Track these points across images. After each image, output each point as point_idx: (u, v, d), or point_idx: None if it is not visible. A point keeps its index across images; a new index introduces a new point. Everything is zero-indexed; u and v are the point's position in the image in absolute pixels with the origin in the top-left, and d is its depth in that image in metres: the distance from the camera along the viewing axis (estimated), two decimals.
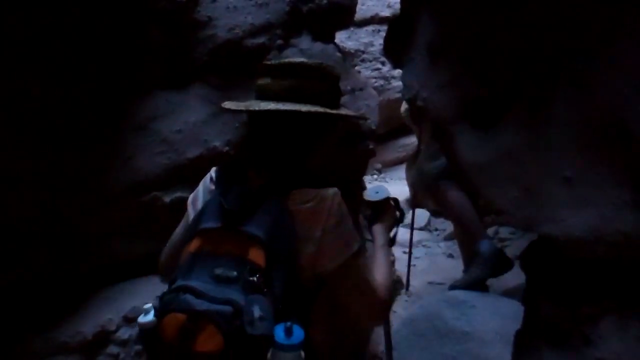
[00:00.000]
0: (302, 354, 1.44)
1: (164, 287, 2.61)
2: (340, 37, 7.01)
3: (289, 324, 1.42)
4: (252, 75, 2.92)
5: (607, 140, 1.28)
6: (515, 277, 3.67)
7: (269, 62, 1.84)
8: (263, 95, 1.76)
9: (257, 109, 1.70)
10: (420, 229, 5.97)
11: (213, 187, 1.78)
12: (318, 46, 3.21)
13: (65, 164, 2.61)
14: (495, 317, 3.32)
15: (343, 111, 1.86)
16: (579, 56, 1.29)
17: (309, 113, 1.68)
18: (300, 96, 1.72)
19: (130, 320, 2.55)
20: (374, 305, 1.73)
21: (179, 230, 1.97)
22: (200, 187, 1.87)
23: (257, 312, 1.39)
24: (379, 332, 3.66)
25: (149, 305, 1.59)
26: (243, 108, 1.79)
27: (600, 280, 1.47)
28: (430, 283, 4.94)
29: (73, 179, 2.63)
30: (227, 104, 1.85)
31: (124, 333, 2.52)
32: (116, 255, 2.80)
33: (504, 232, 5.56)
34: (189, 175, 2.84)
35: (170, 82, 2.94)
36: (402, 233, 5.63)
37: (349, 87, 3.21)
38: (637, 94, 1.19)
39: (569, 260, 1.51)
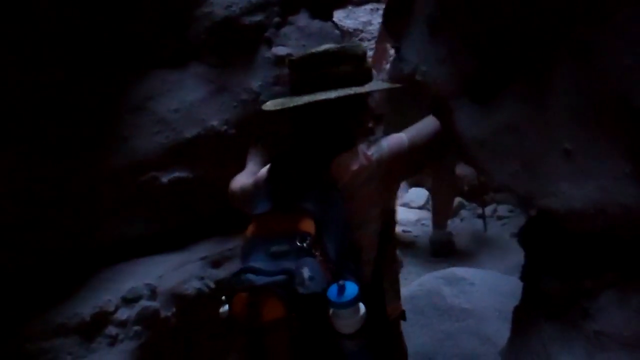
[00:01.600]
0: (361, 308, 1.54)
1: (163, 267, 2.64)
2: (339, 15, 6.97)
3: (341, 282, 1.52)
4: (250, 53, 2.96)
5: (608, 111, 1.26)
6: (514, 254, 3.67)
7: (293, 58, 1.98)
8: (296, 90, 1.93)
9: (291, 105, 1.86)
10: (419, 207, 5.97)
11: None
12: (316, 24, 3.19)
13: (62, 144, 2.60)
14: (494, 294, 3.33)
15: (372, 86, 1.95)
16: (580, 25, 1.27)
17: (338, 98, 1.82)
18: (329, 83, 1.87)
19: (128, 301, 2.54)
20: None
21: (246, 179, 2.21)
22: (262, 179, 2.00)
23: (306, 273, 1.51)
24: None
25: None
26: (280, 107, 1.92)
27: (600, 253, 1.45)
28: (429, 261, 4.94)
29: (69, 160, 2.62)
30: (268, 106, 2.00)
31: (123, 314, 2.51)
32: (114, 235, 2.79)
33: (503, 210, 5.56)
34: (187, 155, 2.83)
35: (167, 61, 2.92)
36: (403, 212, 5.67)
37: None
38: (639, 63, 1.17)
39: (569, 234, 1.49)
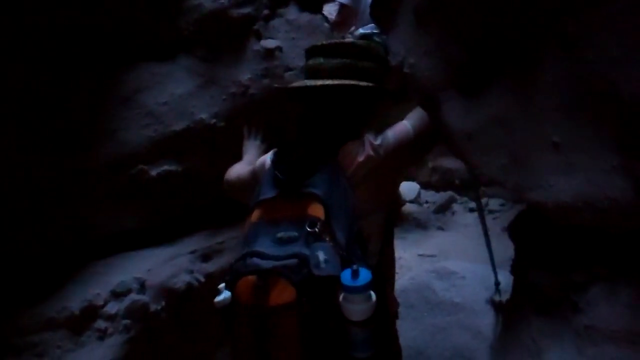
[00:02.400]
0: (373, 295, 1.54)
1: (153, 261, 2.63)
2: (330, 9, 6.92)
3: (355, 266, 1.52)
4: (239, 45, 2.94)
5: (596, 104, 1.25)
6: (505, 248, 3.68)
7: (319, 44, 2.03)
8: (316, 74, 1.96)
9: (317, 84, 1.89)
10: (410, 201, 5.97)
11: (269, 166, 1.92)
12: (305, 17, 3.17)
13: (50, 137, 2.58)
14: (485, 288, 3.34)
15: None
16: (567, 17, 1.26)
17: (362, 88, 1.89)
18: (351, 73, 1.92)
19: (118, 294, 2.53)
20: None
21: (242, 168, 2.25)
22: (262, 167, 2.02)
23: (321, 256, 1.52)
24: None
25: (222, 285, 1.65)
26: (301, 85, 1.96)
27: (589, 247, 1.45)
28: (420, 255, 4.94)
29: (58, 152, 2.60)
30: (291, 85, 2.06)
31: (112, 308, 2.50)
32: (103, 229, 2.77)
33: (494, 204, 5.57)
34: (176, 148, 2.81)
35: (156, 54, 2.90)
36: None
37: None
38: (628, 55, 1.16)
39: (558, 227, 1.49)
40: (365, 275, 1.53)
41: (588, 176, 1.29)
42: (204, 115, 2.84)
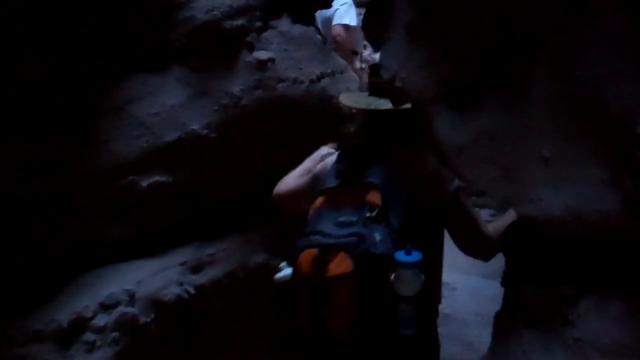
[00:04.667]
0: (422, 275, 1.71)
1: (142, 273, 2.61)
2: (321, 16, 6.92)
3: (408, 246, 1.69)
4: (231, 57, 2.94)
5: (585, 119, 1.26)
6: (495, 259, 3.68)
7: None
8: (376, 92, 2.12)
9: (383, 109, 2.06)
10: None
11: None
12: (298, 29, 3.17)
13: (40, 147, 2.56)
14: (476, 299, 3.34)
15: None
16: (559, 34, 1.27)
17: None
18: None
19: (106, 307, 2.51)
20: (477, 239, 2.02)
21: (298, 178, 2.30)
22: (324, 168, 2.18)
23: (377, 236, 1.73)
24: None
25: (283, 263, 1.87)
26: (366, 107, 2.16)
27: (579, 260, 1.46)
28: None
29: (47, 162, 2.58)
30: (345, 101, 2.38)
31: (101, 320, 2.48)
32: (93, 240, 2.74)
33: (485, 214, 5.55)
34: (167, 159, 2.80)
35: (148, 64, 2.88)
36: None
37: (329, 70, 3.18)
38: (617, 72, 1.17)
39: (549, 240, 1.49)
40: (416, 254, 1.69)
41: (578, 190, 1.30)
42: (195, 126, 2.82)
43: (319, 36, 3.29)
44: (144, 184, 2.76)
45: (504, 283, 1.97)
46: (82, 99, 2.68)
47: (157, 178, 2.78)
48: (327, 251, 1.73)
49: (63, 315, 2.47)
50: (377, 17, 1.99)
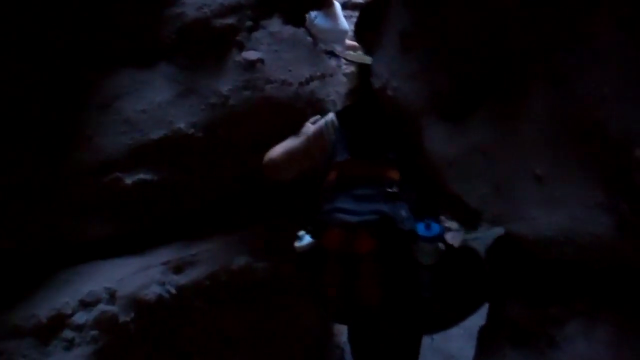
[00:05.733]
0: (441, 245, 1.85)
1: (124, 271, 2.58)
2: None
3: (427, 220, 1.84)
4: (220, 56, 2.91)
5: (582, 138, 1.25)
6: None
7: None
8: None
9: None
10: None
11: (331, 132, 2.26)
12: (288, 30, 3.14)
13: (22, 141, 2.53)
14: None
15: None
16: (558, 50, 1.26)
17: None
18: None
19: (87, 304, 2.47)
20: None
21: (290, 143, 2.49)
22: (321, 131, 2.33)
23: (404, 213, 1.86)
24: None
25: (302, 232, 2.07)
26: (363, 61, 2.21)
27: (568, 281, 1.45)
28: None
29: (31, 157, 2.55)
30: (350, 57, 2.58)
31: (80, 317, 2.44)
32: (74, 236, 2.71)
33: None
34: (152, 157, 2.77)
35: (136, 60, 2.85)
36: None
37: (318, 73, 3.15)
38: (617, 92, 1.16)
39: (538, 260, 1.48)
40: (435, 228, 1.82)
41: (571, 211, 1.29)
42: (182, 125, 2.79)
43: (309, 38, 3.26)
44: (129, 181, 2.72)
45: (488, 298, 1.96)
46: (68, 93, 2.64)
47: (141, 176, 2.74)
48: (353, 230, 1.87)
49: (43, 311, 2.43)
50: (370, 22, 1.97)
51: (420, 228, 1.83)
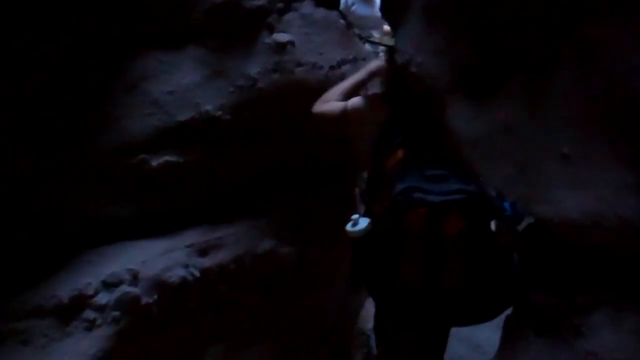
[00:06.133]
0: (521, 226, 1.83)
1: (148, 253, 2.56)
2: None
3: (510, 201, 1.76)
4: (250, 38, 2.87)
5: (611, 115, 1.16)
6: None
7: None
8: None
9: None
10: None
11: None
12: (321, 12, 3.09)
13: (49, 121, 2.51)
14: None
15: None
16: (587, 20, 1.17)
17: None
18: None
19: (109, 285, 2.46)
20: None
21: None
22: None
23: (492, 192, 1.77)
24: (369, 309, 3.63)
25: (356, 215, 2.01)
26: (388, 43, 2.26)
27: (596, 268, 1.37)
28: None
29: (57, 137, 2.53)
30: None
31: (102, 298, 2.43)
32: (99, 217, 2.70)
33: None
34: (179, 139, 2.74)
35: (165, 42, 2.81)
36: None
37: (350, 57, 3.10)
38: None
39: (564, 245, 1.40)
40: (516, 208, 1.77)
41: (599, 192, 1.20)
42: (209, 107, 2.76)
43: (342, 21, 3.20)
44: (154, 163, 2.70)
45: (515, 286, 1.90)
46: (96, 75, 2.62)
47: (167, 158, 2.72)
48: (438, 210, 1.80)
49: (64, 291, 2.42)
50: None
51: (507, 207, 1.81)
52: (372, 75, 2.63)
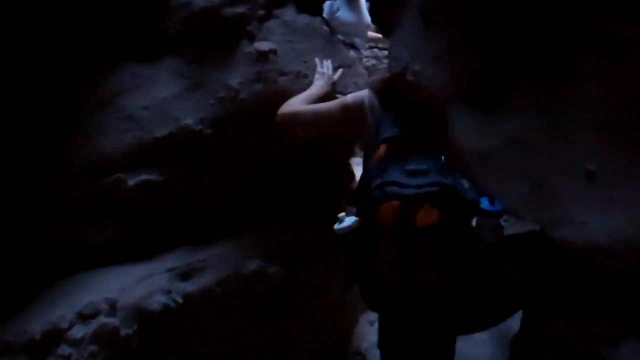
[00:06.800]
0: (503, 224, 1.83)
1: (126, 279, 2.42)
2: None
3: (489, 196, 1.74)
4: (230, 47, 2.74)
5: None
6: None
7: None
8: None
9: None
10: None
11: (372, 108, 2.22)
12: (303, 19, 2.99)
13: (19, 139, 2.38)
14: None
15: None
16: (621, 18, 1.03)
17: None
18: None
19: (85, 317, 2.29)
20: None
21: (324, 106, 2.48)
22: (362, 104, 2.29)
23: (465, 184, 1.76)
24: (363, 327, 3.51)
25: (342, 214, 1.96)
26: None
27: (623, 294, 1.23)
28: None
29: (26, 156, 2.40)
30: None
31: (78, 332, 2.25)
32: (72, 242, 2.55)
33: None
34: (157, 156, 2.61)
35: (140, 54, 2.70)
36: None
37: (336, 64, 2.98)
38: None
39: (588, 268, 1.27)
40: (498, 204, 1.73)
41: (629, 213, 1.07)
42: (189, 121, 2.63)
43: (325, 27, 3.08)
44: (131, 182, 2.56)
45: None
46: (66, 90, 2.49)
47: (145, 177, 2.58)
48: (411, 202, 1.78)
49: (37, 325, 2.24)
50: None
51: (484, 202, 1.78)
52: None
